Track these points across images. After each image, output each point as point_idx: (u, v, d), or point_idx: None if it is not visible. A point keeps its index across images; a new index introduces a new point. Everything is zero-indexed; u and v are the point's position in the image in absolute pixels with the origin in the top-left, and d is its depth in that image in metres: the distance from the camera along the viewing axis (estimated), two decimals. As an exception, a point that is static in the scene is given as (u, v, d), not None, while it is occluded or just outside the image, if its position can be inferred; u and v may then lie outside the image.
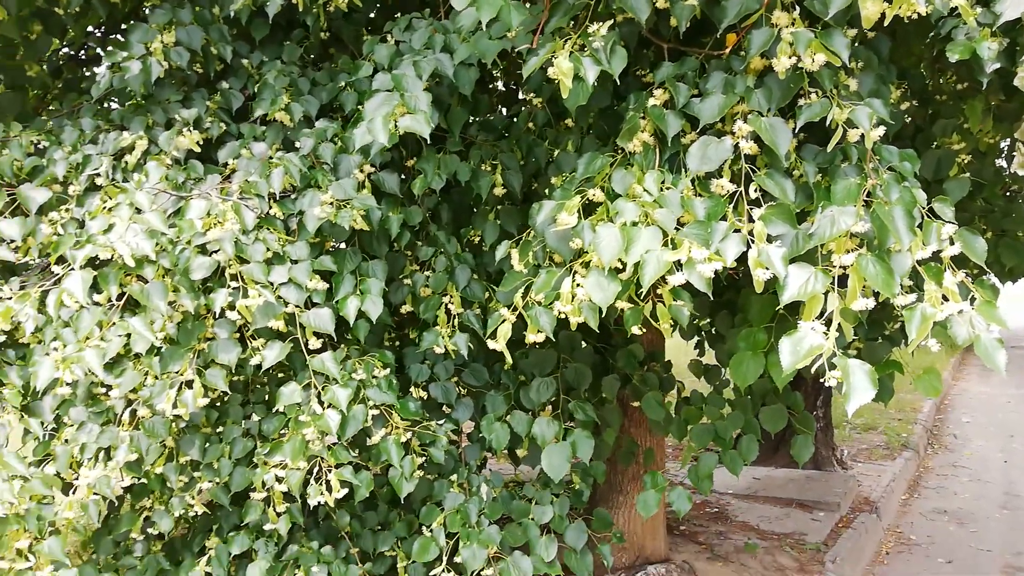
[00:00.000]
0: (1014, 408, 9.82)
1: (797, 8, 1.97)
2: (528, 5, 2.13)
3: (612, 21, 2.08)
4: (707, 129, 2.09)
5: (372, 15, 3.43)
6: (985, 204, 2.87)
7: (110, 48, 2.90)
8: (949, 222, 2.02)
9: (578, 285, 2.02)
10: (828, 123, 2.01)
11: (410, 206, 2.98)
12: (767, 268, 1.86)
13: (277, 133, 3.05)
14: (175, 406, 2.57)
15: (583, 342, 3.35)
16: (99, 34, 4.05)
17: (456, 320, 2.88)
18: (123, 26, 3.85)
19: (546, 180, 2.81)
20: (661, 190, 1.99)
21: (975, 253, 2.03)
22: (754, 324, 2.62)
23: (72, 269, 2.47)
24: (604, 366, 3.35)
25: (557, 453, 2.83)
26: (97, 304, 2.51)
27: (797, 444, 3.18)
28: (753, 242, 1.90)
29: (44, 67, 3.50)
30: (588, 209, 2.18)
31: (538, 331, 2.23)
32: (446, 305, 2.91)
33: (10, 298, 2.72)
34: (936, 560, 5.54)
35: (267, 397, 3.14)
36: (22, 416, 2.83)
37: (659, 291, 2.09)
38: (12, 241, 2.88)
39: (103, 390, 2.92)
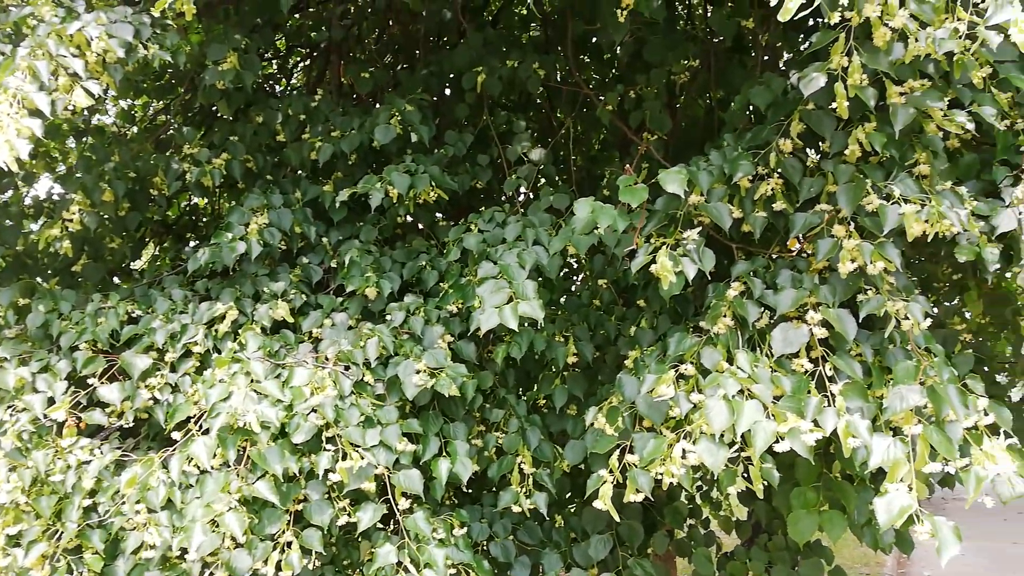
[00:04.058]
0: (968, 560, 10.18)
1: (852, 223, 2.46)
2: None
3: (700, 227, 2.53)
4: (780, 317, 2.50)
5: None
6: (986, 375, 3.36)
7: (217, 229, 3.21)
8: (981, 396, 2.44)
9: (687, 451, 2.32)
10: (880, 314, 2.45)
11: (481, 371, 3.27)
12: (855, 436, 2.21)
13: (358, 305, 3.35)
14: (279, 568, 2.66)
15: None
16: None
17: (530, 479, 3.10)
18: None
19: (615, 351, 3.17)
20: (753, 368, 2.36)
21: (1003, 421, 2.43)
22: (802, 484, 2.94)
23: (192, 435, 2.63)
24: (649, 522, 3.56)
25: (628, 610, 2.99)
26: (215, 469, 2.65)
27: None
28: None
29: (124, 240, 3.76)
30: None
31: (636, 491, 2.49)
32: (519, 465, 3.13)
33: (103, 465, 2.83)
34: None
35: (333, 558, 3.22)
36: (101, 582, 2.84)
37: (745, 454, 2.41)
38: (109, 406, 3.02)
39: (177, 553, 2.97)
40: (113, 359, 3.09)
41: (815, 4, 2.07)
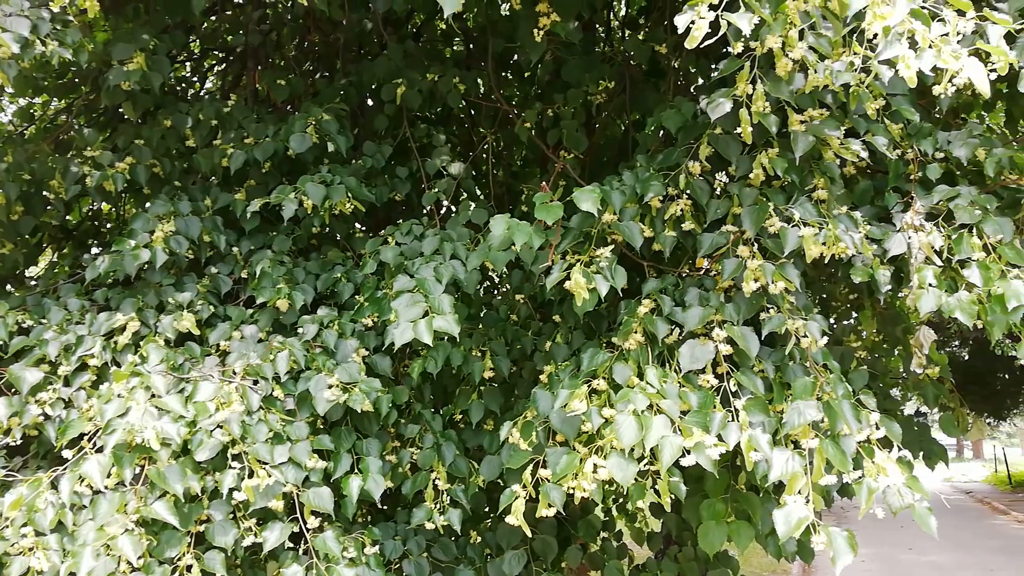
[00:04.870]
0: (867, 566, 10.68)
1: (756, 244, 2.56)
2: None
3: (613, 245, 2.58)
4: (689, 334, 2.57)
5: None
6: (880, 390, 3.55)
7: (119, 236, 3.06)
8: (873, 411, 2.57)
9: (598, 466, 2.35)
10: (782, 331, 2.55)
11: (396, 386, 3.23)
12: (756, 450, 2.29)
13: (269, 317, 3.25)
14: (177, 593, 2.54)
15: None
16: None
17: (444, 496, 3.07)
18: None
19: (531, 365, 3.18)
20: (661, 383, 2.41)
21: (894, 435, 2.57)
22: (711, 495, 3.02)
23: (85, 453, 2.48)
24: (564, 536, 3.58)
25: (540, 625, 2.99)
26: (109, 489, 2.51)
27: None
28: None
29: (18, 245, 3.54)
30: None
31: (549, 505, 2.50)
32: (433, 481, 3.09)
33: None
34: None
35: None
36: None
37: (655, 468, 2.45)
38: (-7, 422, 2.83)
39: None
40: (0, 372, 2.90)
41: (720, 33, 2.15)
